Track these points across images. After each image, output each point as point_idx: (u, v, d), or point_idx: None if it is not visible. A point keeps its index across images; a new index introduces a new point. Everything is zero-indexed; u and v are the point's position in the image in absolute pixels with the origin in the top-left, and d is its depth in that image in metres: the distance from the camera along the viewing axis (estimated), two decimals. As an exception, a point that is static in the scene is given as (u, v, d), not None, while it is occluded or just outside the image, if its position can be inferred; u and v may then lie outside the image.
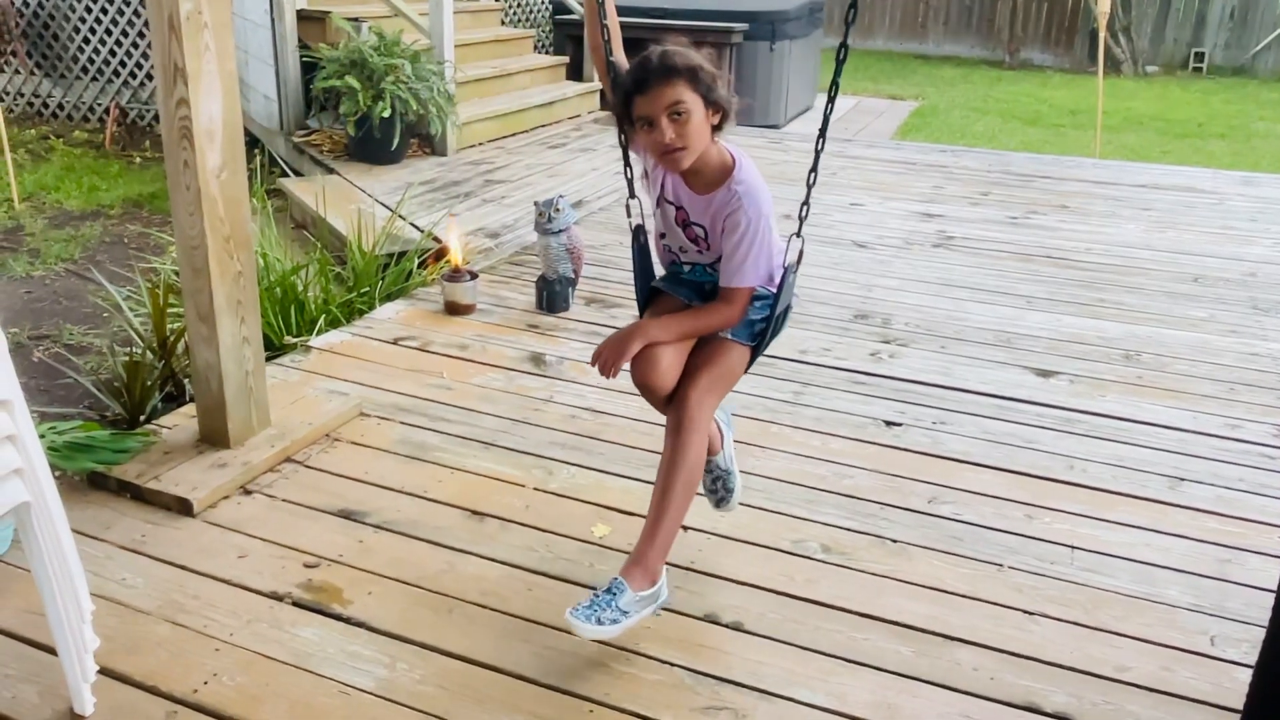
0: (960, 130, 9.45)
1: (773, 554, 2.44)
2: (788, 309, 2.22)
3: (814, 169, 2.12)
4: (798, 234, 2.09)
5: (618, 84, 2.07)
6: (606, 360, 2.05)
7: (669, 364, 2.07)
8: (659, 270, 2.28)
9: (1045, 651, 2.14)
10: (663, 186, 2.15)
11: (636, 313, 2.29)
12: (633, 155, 2.20)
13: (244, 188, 2.64)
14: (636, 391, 2.12)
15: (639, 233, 2.23)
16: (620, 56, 2.17)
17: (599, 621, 1.92)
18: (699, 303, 2.15)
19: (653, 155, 2.04)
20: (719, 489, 2.40)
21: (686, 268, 2.22)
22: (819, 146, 2.08)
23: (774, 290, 2.15)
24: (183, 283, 2.65)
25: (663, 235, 2.22)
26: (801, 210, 2.09)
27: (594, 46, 2.24)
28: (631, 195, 2.22)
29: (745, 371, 2.19)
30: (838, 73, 2.05)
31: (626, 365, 2.05)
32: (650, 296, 2.25)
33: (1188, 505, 2.71)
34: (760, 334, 2.16)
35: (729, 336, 2.14)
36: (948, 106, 10.73)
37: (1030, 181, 6.29)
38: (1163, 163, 7.58)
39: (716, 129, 2.02)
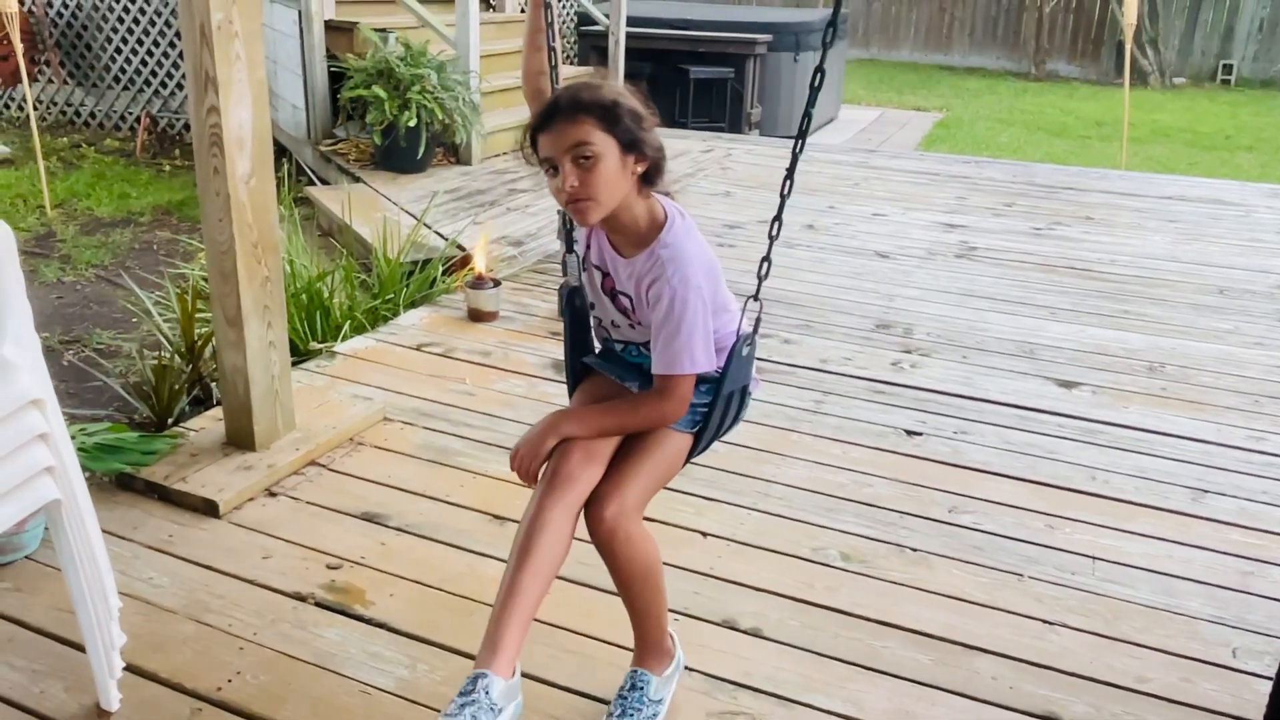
0: (985, 142, 9.43)
1: (792, 561, 2.45)
2: (745, 391, 1.85)
3: (778, 217, 1.74)
4: (755, 297, 1.76)
5: None
6: (524, 463, 1.74)
7: (585, 460, 1.72)
8: (597, 346, 1.98)
9: (1065, 661, 2.13)
10: (589, 247, 1.83)
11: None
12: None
13: (272, 194, 2.68)
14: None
15: (574, 295, 1.89)
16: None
17: None
18: (636, 385, 1.83)
19: (559, 204, 1.72)
20: None
21: (619, 346, 1.91)
22: (784, 191, 1.73)
23: (717, 372, 1.78)
24: (211, 287, 2.69)
25: (592, 306, 1.89)
26: (761, 267, 1.77)
27: (534, 72, 1.87)
28: (569, 249, 1.88)
29: (685, 464, 1.84)
30: (811, 102, 1.70)
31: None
32: (581, 374, 1.95)
33: (1210, 517, 2.69)
34: (703, 419, 1.81)
35: None
36: (972, 118, 10.71)
37: (1055, 193, 6.27)
38: (1190, 175, 7.53)
39: (646, 181, 1.70)
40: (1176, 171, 7.87)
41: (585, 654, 2.11)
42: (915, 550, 2.51)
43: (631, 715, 1.86)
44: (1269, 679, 1.97)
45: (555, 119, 1.64)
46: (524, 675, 2.02)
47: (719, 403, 1.79)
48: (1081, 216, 5.71)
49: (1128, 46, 7.81)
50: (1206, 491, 2.82)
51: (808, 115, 1.71)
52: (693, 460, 1.86)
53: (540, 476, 1.74)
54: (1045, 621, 2.26)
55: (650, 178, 1.70)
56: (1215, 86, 13.32)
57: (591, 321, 1.92)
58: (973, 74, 14.16)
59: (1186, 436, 3.13)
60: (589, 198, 1.64)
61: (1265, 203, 6.16)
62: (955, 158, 7.69)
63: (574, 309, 1.91)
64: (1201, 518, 2.69)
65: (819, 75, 1.69)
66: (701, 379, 1.78)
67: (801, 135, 1.72)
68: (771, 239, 1.75)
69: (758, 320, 1.77)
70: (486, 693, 1.55)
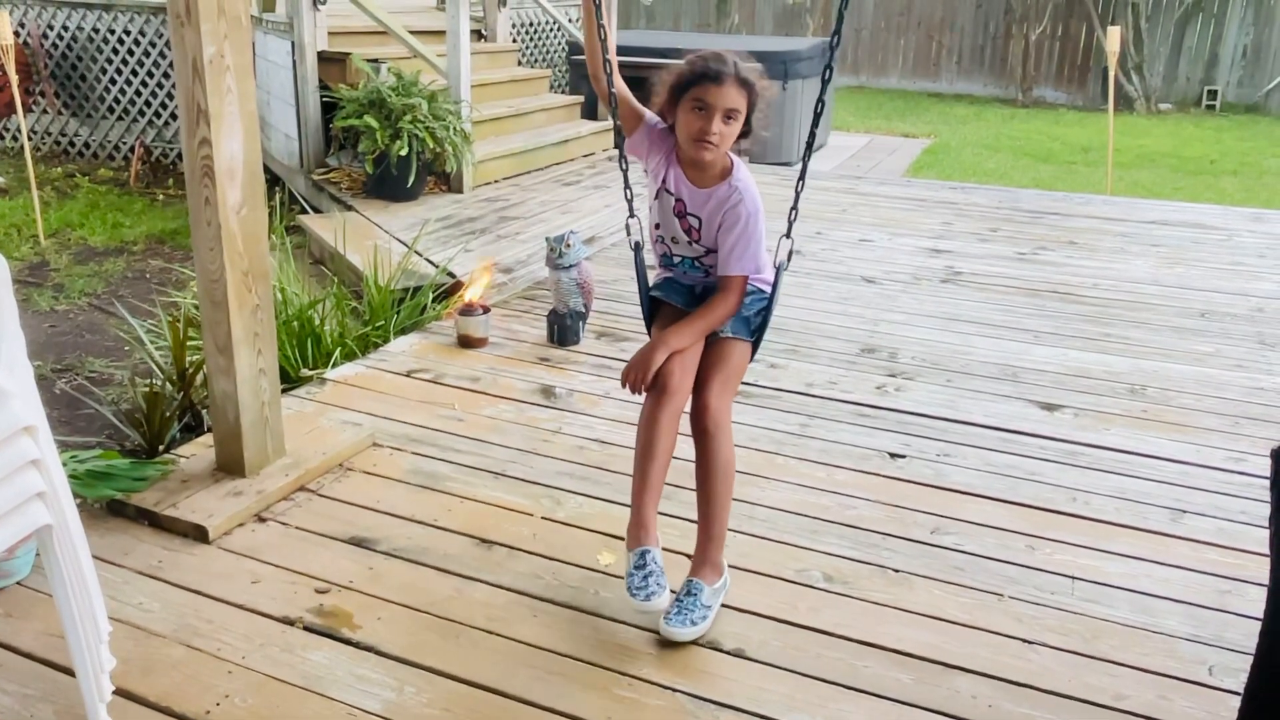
0: (972, 167, 9.52)
1: (775, 582, 2.48)
2: (775, 302, 2.42)
3: (802, 176, 2.32)
4: (787, 235, 2.30)
5: (667, 76, 2.28)
6: (637, 377, 2.22)
7: (684, 373, 2.25)
8: (652, 278, 2.48)
9: (1044, 680, 2.16)
10: (664, 179, 2.33)
11: (645, 338, 2.42)
12: (631, 159, 2.38)
13: (263, 224, 2.72)
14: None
15: (638, 249, 2.38)
16: (620, 86, 2.32)
17: (693, 623, 2.22)
18: (692, 307, 2.35)
19: (685, 136, 2.21)
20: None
21: (676, 259, 2.40)
22: (805, 159, 2.34)
23: (768, 289, 2.38)
24: (202, 315, 2.73)
25: (657, 226, 2.39)
26: (790, 214, 2.33)
27: (595, 75, 2.35)
28: (631, 214, 2.39)
29: (749, 362, 2.39)
30: (815, 124, 2.26)
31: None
32: (653, 309, 2.45)
33: (1189, 537, 2.73)
34: (758, 328, 2.38)
35: (730, 334, 2.33)
36: (960, 144, 10.81)
37: (1040, 218, 6.34)
38: (1174, 199, 7.62)
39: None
40: (1161, 196, 7.95)
41: (573, 676, 2.13)
42: (897, 571, 2.54)
43: (685, 615, 2.22)
44: (1243, 695, 2.00)
45: (725, 78, 2.16)
46: (512, 698, 2.06)
47: (770, 312, 2.37)
48: (1065, 241, 5.78)
49: (1113, 73, 7.92)
50: (1185, 512, 2.86)
51: (812, 135, 2.31)
52: (750, 382, 2.53)
53: (650, 389, 2.23)
54: (1025, 641, 2.29)
55: (738, 141, 2.27)
56: (1200, 112, 13.45)
57: (653, 239, 2.41)
58: (960, 101, 14.30)
59: (1166, 458, 3.17)
60: (717, 145, 2.19)
61: (1247, 226, 6.23)
62: (941, 184, 7.77)
63: (639, 259, 2.37)
64: (1180, 538, 2.73)
65: (820, 105, 2.24)
66: (753, 293, 2.36)
67: (807, 151, 2.32)
68: (797, 193, 2.32)
69: (790, 252, 2.31)
70: (656, 561, 2.16)
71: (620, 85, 2.33)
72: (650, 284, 2.46)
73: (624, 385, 2.26)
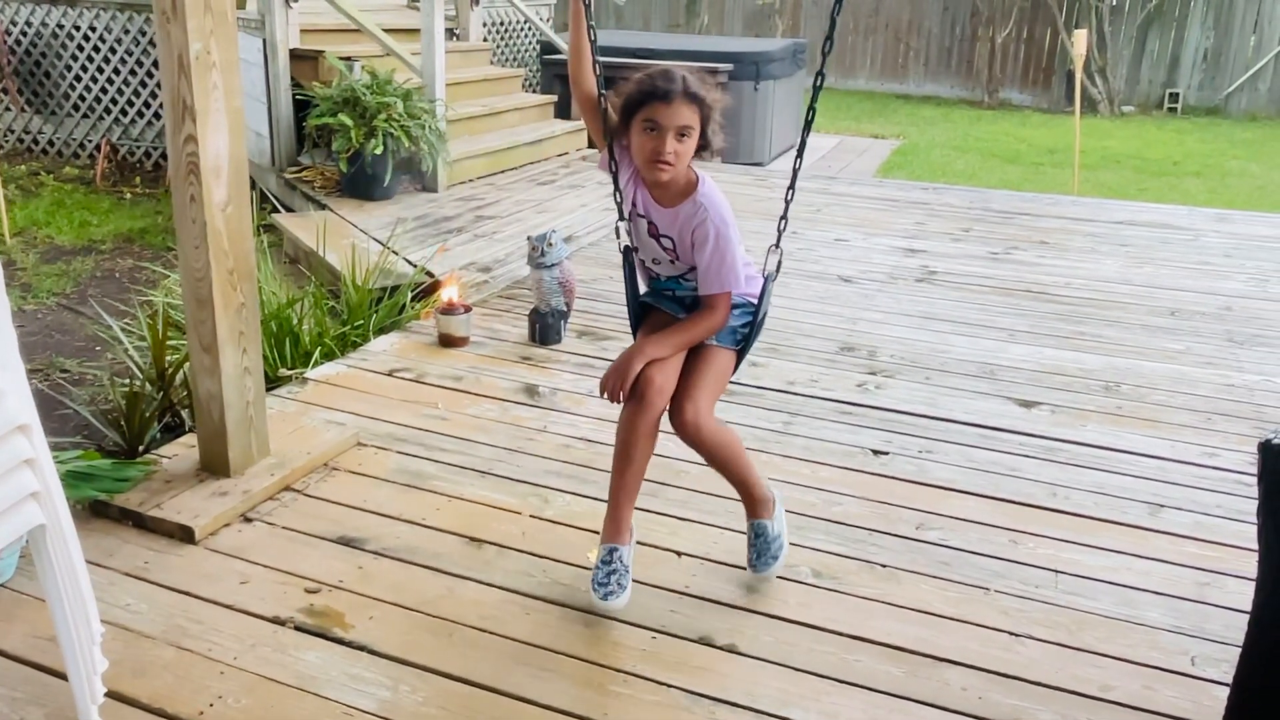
0: (941, 168, 9.61)
1: (765, 578, 2.49)
2: (764, 314, 2.40)
3: (791, 186, 2.30)
4: (776, 245, 2.31)
5: (617, 93, 2.20)
6: (615, 385, 2.20)
7: (664, 381, 2.23)
8: (643, 288, 2.46)
9: (1031, 671, 2.20)
10: (634, 202, 2.29)
11: (630, 339, 2.38)
12: (604, 178, 2.33)
13: (248, 221, 2.71)
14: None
15: (629, 253, 2.37)
16: (601, 94, 2.27)
17: (774, 557, 2.40)
18: (684, 315, 2.33)
19: (640, 158, 2.18)
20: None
21: (664, 278, 2.38)
22: (796, 165, 2.31)
23: (754, 300, 2.35)
24: (186, 314, 2.70)
25: (636, 250, 2.36)
26: (780, 224, 2.33)
27: (576, 79, 2.28)
28: (621, 217, 2.34)
29: (734, 372, 2.38)
30: (806, 131, 2.24)
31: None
32: (641, 314, 2.42)
33: (1167, 531, 2.78)
34: (743, 339, 2.36)
35: (715, 343, 2.31)
36: (928, 145, 10.91)
37: (1010, 218, 6.42)
38: (1140, 200, 7.73)
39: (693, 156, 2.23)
40: (1127, 197, 8.06)
41: (567, 672, 2.14)
42: (884, 566, 2.57)
43: (763, 553, 2.40)
44: (1226, 685, 2.04)
45: (674, 96, 2.11)
46: (506, 695, 2.06)
47: (755, 324, 2.35)
48: (1036, 241, 5.85)
49: (1078, 76, 8.03)
50: (1163, 506, 2.91)
51: (805, 135, 2.31)
52: (733, 380, 2.44)
53: (628, 396, 2.21)
54: (1011, 633, 2.32)
55: (697, 155, 2.22)
56: (1162, 114, 13.66)
57: (637, 262, 2.38)
58: (928, 102, 14.42)
59: (1143, 453, 3.23)
60: (673, 165, 2.15)
61: (1212, 227, 6.34)
62: (913, 184, 7.84)
63: (630, 264, 2.38)
64: (1159, 531, 2.78)
65: (811, 112, 2.27)
66: (740, 305, 2.33)
67: (799, 151, 2.32)
68: (787, 202, 2.31)
69: (779, 263, 2.32)
70: (623, 561, 2.27)
71: (602, 92, 2.28)
72: (637, 291, 2.43)
73: (602, 394, 2.24)
